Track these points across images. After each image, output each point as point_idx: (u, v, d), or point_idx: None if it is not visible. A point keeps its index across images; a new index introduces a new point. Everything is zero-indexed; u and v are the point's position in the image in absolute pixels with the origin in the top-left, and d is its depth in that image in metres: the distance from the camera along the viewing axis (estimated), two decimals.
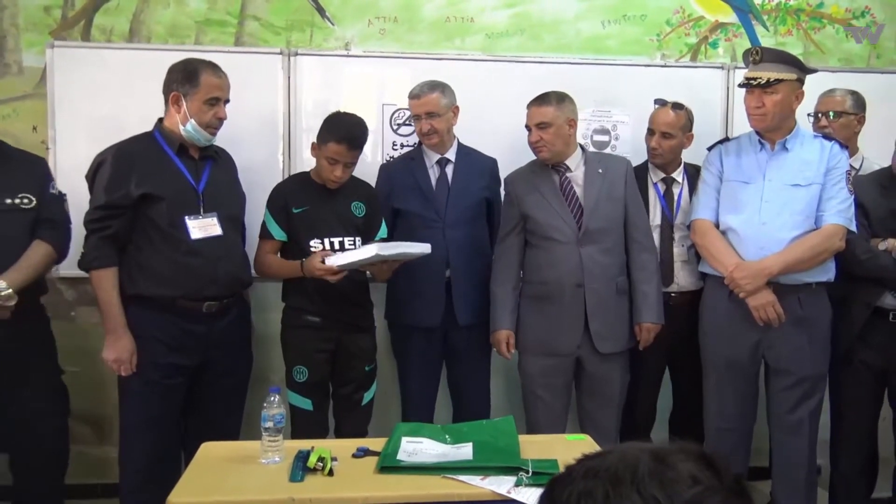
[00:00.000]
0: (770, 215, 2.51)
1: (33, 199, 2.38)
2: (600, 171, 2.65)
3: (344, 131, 2.54)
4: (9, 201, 2.34)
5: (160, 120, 2.43)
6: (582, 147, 2.72)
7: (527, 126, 2.63)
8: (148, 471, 2.33)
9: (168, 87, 2.38)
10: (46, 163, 2.61)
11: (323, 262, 2.48)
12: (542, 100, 2.62)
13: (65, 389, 2.50)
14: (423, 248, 2.51)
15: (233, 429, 2.52)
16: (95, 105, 2.91)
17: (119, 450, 2.42)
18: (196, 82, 2.34)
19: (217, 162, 2.49)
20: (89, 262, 2.31)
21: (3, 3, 2.99)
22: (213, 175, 2.44)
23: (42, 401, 2.39)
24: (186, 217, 2.34)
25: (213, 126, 2.40)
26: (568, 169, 2.65)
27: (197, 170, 2.42)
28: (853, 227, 2.53)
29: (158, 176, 2.34)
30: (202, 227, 2.36)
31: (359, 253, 2.45)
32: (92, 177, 2.35)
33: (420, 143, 2.87)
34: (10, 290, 2.24)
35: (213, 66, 2.39)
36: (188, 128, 2.36)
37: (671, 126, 2.81)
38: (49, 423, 2.42)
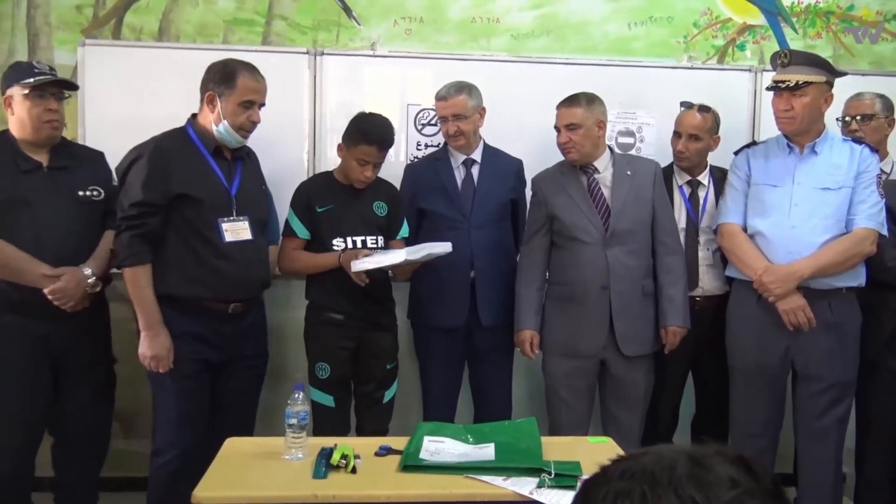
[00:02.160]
0: (800, 219, 2.48)
1: (101, 191, 2.45)
2: (629, 172, 2.63)
3: (376, 134, 2.56)
4: (81, 193, 2.40)
5: (194, 115, 2.40)
6: (610, 148, 2.71)
7: (556, 127, 2.62)
8: (179, 466, 2.33)
9: (205, 86, 2.34)
10: (105, 156, 2.59)
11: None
12: (571, 101, 2.60)
13: (114, 379, 2.54)
14: (445, 247, 2.51)
15: (249, 423, 2.52)
16: (125, 102, 2.94)
17: (153, 445, 2.40)
18: (233, 83, 2.30)
19: (246, 163, 2.48)
20: (123, 259, 2.28)
21: (36, 2, 3.05)
22: (244, 177, 2.43)
23: (93, 390, 2.43)
24: (220, 220, 2.33)
25: (246, 129, 2.37)
26: (596, 170, 2.64)
27: (230, 172, 2.40)
28: (885, 231, 2.50)
29: (196, 177, 2.31)
30: (234, 230, 2.35)
31: (389, 258, 2.47)
32: (125, 172, 2.30)
33: (446, 144, 2.87)
34: (95, 278, 2.34)
35: (252, 69, 2.36)
36: (220, 129, 2.33)
37: (698, 129, 2.78)
38: (95, 414, 2.47)
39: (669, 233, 2.67)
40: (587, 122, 2.57)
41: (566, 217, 2.61)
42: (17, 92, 2.35)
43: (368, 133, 2.55)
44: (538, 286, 2.69)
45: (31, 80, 2.35)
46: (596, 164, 2.64)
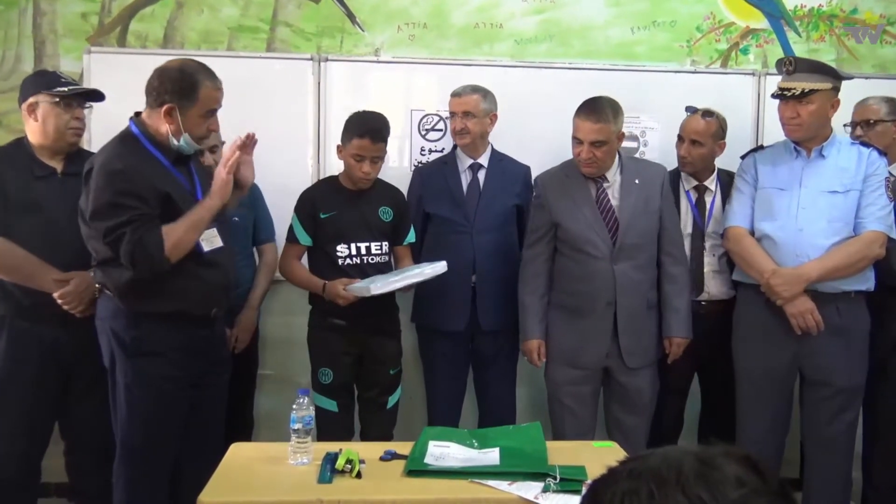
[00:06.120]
0: (807, 222, 2.47)
1: None
2: (637, 181, 2.57)
3: (365, 126, 2.56)
4: None
5: (137, 114, 2.19)
6: (619, 153, 2.62)
7: (576, 138, 2.48)
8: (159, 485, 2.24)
9: (159, 95, 2.12)
10: None
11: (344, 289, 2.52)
12: (598, 115, 2.43)
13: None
14: (436, 268, 2.51)
15: (221, 431, 2.37)
16: (130, 109, 2.92)
17: (121, 468, 2.22)
18: (194, 96, 2.12)
19: (194, 162, 2.32)
20: (162, 255, 2.05)
21: (43, 10, 3.07)
22: (203, 180, 2.28)
23: (103, 396, 2.33)
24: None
25: (205, 137, 2.26)
26: (605, 179, 2.57)
27: (190, 178, 2.24)
28: (894, 234, 2.49)
29: (172, 189, 2.14)
30: (209, 239, 2.22)
31: (360, 289, 2.48)
32: (98, 190, 2.06)
33: (454, 148, 2.87)
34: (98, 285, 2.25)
35: (210, 74, 2.16)
36: (182, 142, 2.15)
37: (701, 134, 2.77)
38: (105, 419, 2.36)
39: (675, 243, 2.62)
40: (612, 137, 2.46)
41: (572, 227, 2.54)
42: (44, 100, 2.34)
43: (359, 127, 2.56)
44: (542, 294, 2.64)
45: (65, 89, 2.35)
46: (606, 173, 2.57)
